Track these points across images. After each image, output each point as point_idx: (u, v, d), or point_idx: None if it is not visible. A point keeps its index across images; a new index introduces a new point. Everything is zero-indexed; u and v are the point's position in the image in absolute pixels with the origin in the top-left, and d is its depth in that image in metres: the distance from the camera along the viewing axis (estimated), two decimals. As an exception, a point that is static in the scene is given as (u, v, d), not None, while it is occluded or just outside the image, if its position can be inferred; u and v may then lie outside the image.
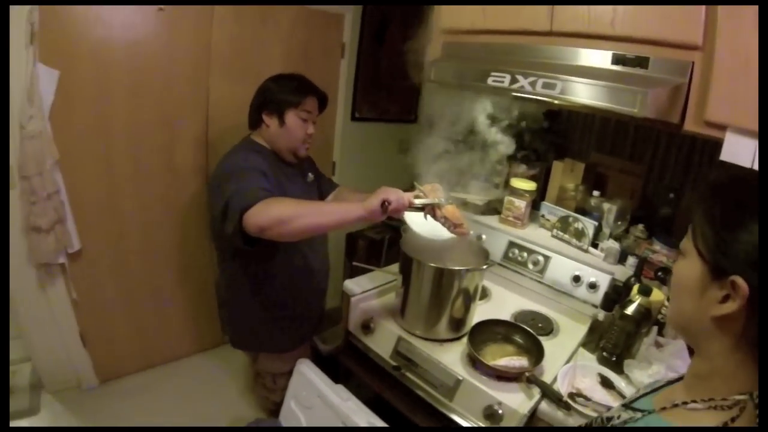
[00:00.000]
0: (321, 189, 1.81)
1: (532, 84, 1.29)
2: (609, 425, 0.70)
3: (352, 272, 1.75)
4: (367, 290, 1.60)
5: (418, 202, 1.27)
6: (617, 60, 1.25)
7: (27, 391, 2.23)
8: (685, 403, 0.59)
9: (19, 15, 1.67)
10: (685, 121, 1.17)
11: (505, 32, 1.50)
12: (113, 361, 2.28)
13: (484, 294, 1.65)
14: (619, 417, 0.69)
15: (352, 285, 1.61)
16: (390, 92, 2.82)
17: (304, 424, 1.57)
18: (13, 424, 2.05)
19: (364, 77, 2.68)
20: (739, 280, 0.51)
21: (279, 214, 1.20)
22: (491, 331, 1.43)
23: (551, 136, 1.92)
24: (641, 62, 1.20)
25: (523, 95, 1.35)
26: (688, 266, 0.58)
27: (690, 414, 0.57)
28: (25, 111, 1.72)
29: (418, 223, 1.31)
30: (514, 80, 1.32)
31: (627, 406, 0.71)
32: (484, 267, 1.38)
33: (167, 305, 2.37)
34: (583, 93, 1.20)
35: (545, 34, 1.40)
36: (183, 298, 2.42)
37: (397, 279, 1.50)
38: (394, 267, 1.63)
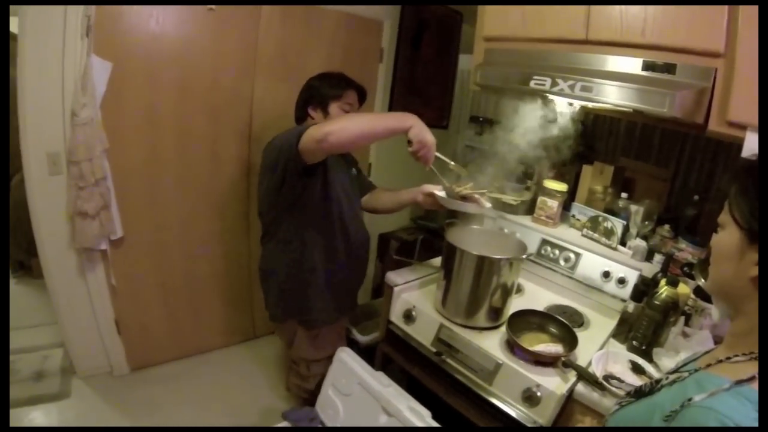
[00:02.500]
0: (361, 187, 1.94)
1: (571, 87, 1.44)
2: (659, 386, 0.82)
3: (392, 266, 1.88)
4: (409, 281, 1.73)
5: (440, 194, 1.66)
6: (647, 66, 1.41)
7: (58, 375, 2.36)
8: (728, 358, 0.71)
9: (75, 9, 1.81)
10: (709, 122, 1.33)
11: (543, 40, 1.66)
12: (146, 349, 2.41)
13: (518, 289, 1.79)
14: (667, 378, 0.82)
15: (394, 276, 1.75)
16: (424, 98, 2.98)
17: (341, 411, 1.70)
18: (42, 407, 2.18)
19: (400, 82, 2.85)
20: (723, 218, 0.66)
21: (330, 128, 1.42)
22: (527, 321, 1.56)
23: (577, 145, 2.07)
24: (669, 68, 1.37)
25: (563, 97, 1.50)
26: (727, 236, 0.71)
27: (734, 366, 0.70)
28: (78, 99, 1.86)
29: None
30: (554, 83, 1.48)
31: (671, 373, 0.83)
32: (524, 256, 1.52)
33: (202, 296, 2.51)
34: (617, 95, 1.36)
35: (581, 42, 1.56)
36: (218, 290, 2.56)
37: (438, 272, 1.64)
38: (433, 261, 1.77)
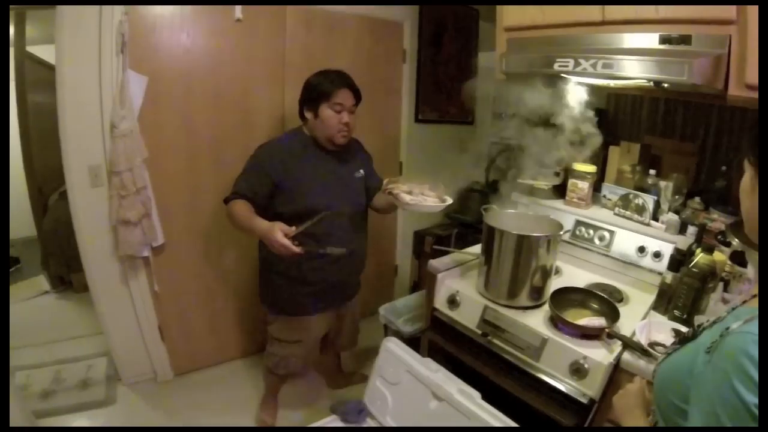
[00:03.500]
0: (369, 188, 1.98)
1: (593, 65, 1.50)
2: (701, 330, 0.86)
3: (431, 258, 1.93)
4: (450, 268, 1.80)
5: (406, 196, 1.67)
6: (664, 40, 1.47)
7: (103, 383, 2.45)
8: None
9: (109, 26, 1.91)
10: (728, 87, 1.37)
11: (562, 25, 1.72)
12: (188, 354, 2.49)
13: (557, 271, 1.83)
14: (708, 321, 0.86)
15: (436, 264, 1.82)
16: (448, 95, 3.06)
17: (389, 401, 1.76)
18: (89, 414, 2.27)
19: (425, 81, 2.94)
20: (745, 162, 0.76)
21: (229, 209, 1.77)
22: (568, 298, 1.61)
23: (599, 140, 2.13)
24: (684, 39, 1.42)
25: (585, 78, 1.55)
26: (746, 176, 0.80)
27: None
28: (117, 112, 1.96)
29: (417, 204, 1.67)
30: (577, 64, 1.54)
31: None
32: (561, 233, 1.58)
33: (243, 299, 2.59)
34: (638, 68, 1.41)
35: (598, 24, 1.63)
36: (258, 295, 2.62)
37: (477, 258, 1.70)
38: (471, 249, 1.83)
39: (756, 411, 0.62)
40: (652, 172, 1.92)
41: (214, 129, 2.21)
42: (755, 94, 1.31)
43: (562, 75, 1.74)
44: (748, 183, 0.80)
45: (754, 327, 0.67)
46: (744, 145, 0.81)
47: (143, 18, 1.97)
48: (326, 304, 2.00)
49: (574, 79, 1.82)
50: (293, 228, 1.60)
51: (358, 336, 2.40)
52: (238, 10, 2.16)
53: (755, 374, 0.61)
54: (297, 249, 1.57)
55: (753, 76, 1.30)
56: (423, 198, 1.66)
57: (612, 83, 1.82)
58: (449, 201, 1.69)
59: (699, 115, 1.94)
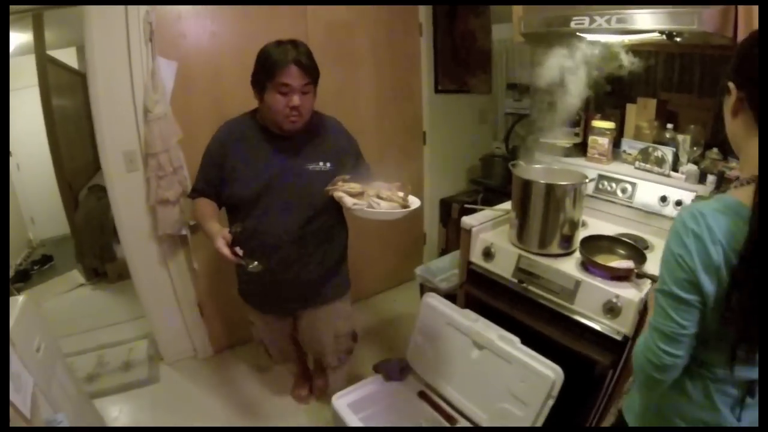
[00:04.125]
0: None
1: (608, 21, 1.58)
2: None
3: (458, 223, 2.01)
4: (483, 222, 1.90)
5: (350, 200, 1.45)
6: None
7: (145, 363, 2.57)
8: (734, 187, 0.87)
9: (136, 18, 2.01)
10: (737, 35, 1.43)
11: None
12: (227, 331, 2.59)
13: (583, 224, 1.90)
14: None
15: (469, 220, 1.91)
16: (466, 66, 3.18)
17: (431, 356, 1.85)
18: (134, 394, 2.38)
19: (442, 53, 3.03)
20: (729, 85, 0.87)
21: (193, 209, 1.72)
22: (596, 245, 1.69)
23: (616, 99, 2.21)
24: None
25: (600, 35, 1.63)
26: (729, 99, 0.89)
27: (736, 189, 0.86)
28: (150, 97, 2.06)
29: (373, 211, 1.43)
30: (592, 21, 1.62)
31: None
32: (586, 180, 1.66)
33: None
34: (650, 21, 1.49)
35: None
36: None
37: (508, 213, 1.78)
38: (500, 206, 1.91)
39: (680, 260, 0.85)
40: (669, 126, 1.99)
41: (243, 107, 2.28)
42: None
43: (578, 33, 1.82)
44: (730, 105, 0.89)
45: (698, 203, 0.86)
46: (728, 71, 0.90)
47: (170, 8, 2.07)
48: (270, 307, 1.87)
49: (589, 37, 1.89)
50: (227, 234, 1.43)
51: (346, 357, 2.09)
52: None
53: (684, 234, 0.84)
54: (232, 258, 1.40)
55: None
56: (375, 202, 1.42)
57: (626, 39, 1.89)
58: (414, 206, 1.46)
59: (714, 70, 2.01)
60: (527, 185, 1.67)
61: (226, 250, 1.40)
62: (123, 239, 2.28)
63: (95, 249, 3.25)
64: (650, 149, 1.94)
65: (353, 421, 1.69)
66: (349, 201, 1.43)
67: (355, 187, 1.47)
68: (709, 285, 0.83)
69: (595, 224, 1.96)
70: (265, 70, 1.49)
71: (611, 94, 2.26)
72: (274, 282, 1.69)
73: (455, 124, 3.23)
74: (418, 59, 2.94)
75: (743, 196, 0.82)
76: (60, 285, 3.33)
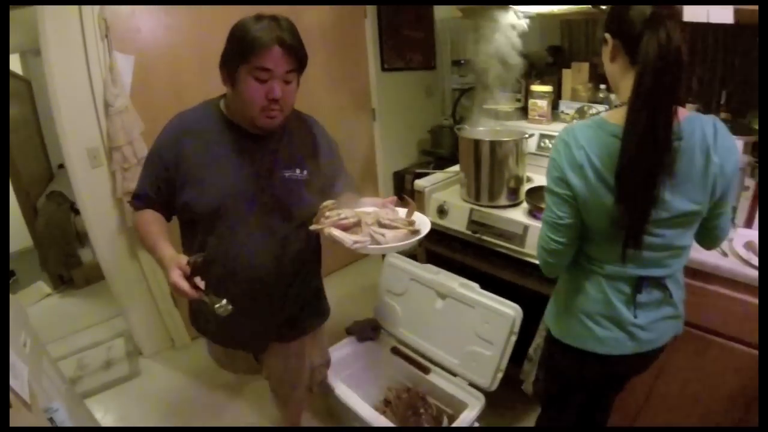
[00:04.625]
0: (324, 191, 1.35)
1: None
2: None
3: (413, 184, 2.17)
4: (435, 183, 2.08)
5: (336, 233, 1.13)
6: None
7: (125, 360, 2.62)
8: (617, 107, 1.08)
9: (90, 16, 2.08)
10: None
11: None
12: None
13: (528, 180, 2.08)
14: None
15: (422, 182, 2.07)
16: (410, 44, 3.37)
17: (399, 311, 1.99)
18: (117, 390, 2.43)
19: (387, 33, 3.21)
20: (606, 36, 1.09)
21: (135, 221, 1.37)
22: (541, 195, 1.85)
23: (557, 67, 2.42)
24: None
25: (532, 6, 1.83)
26: (606, 47, 1.10)
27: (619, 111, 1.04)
28: (110, 91, 2.12)
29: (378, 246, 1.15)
30: None
31: None
32: (526, 136, 1.83)
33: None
34: None
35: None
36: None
37: (457, 174, 1.94)
38: (449, 168, 2.06)
39: (554, 163, 1.09)
40: (602, 86, 2.20)
41: (204, 95, 2.38)
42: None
43: (511, 6, 2.00)
44: (608, 52, 1.11)
45: (576, 124, 1.10)
46: (605, 26, 1.11)
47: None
48: (233, 344, 1.55)
49: (523, 9, 2.08)
50: (184, 263, 1.10)
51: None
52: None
53: (558, 144, 1.09)
54: (192, 292, 1.08)
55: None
56: (378, 233, 1.13)
57: (556, 9, 2.08)
58: (425, 230, 1.19)
59: None
60: (473, 144, 1.84)
61: (184, 284, 1.08)
62: (92, 236, 2.33)
63: (60, 256, 3.25)
64: (585, 108, 2.14)
65: (337, 384, 1.79)
66: (347, 239, 1.10)
67: (348, 216, 1.15)
68: (575, 180, 1.06)
69: (540, 179, 2.13)
70: (241, 50, 1.16)
71: (554, 64, 2.47)
72: (241, 318, 1.20)
73: (403, 99, 3.44)
74: (363, 40, 3.11)
75: (614, 115, 1.04)
76: (26, 298, 3.31)
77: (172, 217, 1.37)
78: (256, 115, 1.22)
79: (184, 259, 1.11)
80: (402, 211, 1.21)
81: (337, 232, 1.12)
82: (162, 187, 1.30)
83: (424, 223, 1.20)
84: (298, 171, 1.34)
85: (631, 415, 1.72)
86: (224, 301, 1.07)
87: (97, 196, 2.26)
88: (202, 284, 1.10)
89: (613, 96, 2.12)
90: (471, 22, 2.31)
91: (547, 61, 2.52)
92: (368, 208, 1.25)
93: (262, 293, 1.36)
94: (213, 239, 1.29)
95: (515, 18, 2.11)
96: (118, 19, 2.13)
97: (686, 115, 1.04)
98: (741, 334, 1.46)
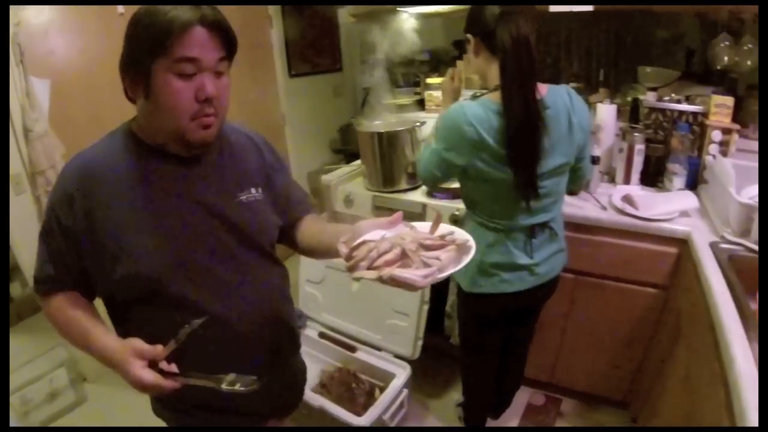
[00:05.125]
0: (281, 209, 1.14)
1: None
2: None
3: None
4: (340, 177, 2.26)
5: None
6: None
7: (69, 388, 2.64)
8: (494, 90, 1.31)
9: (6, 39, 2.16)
10: None
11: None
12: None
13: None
14: None
15: (328, 177, 2.25)
16: (317, 49, 3.60)
17: (320, 298, 2.13)
18: (65, 419, 2.47)
19: (293, 41, 3.41)
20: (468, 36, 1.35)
21: (46, 310, 1.01)
22: (439, 176, 2.05)
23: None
24: None
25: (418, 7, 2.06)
26: (470, 45, 1.38)
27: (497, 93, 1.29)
28: (29, 116, 2.21)
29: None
30: None
31: None
32: (418, 124, 2.03)
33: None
34: None
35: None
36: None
37: (360, 166, 2.12)
38: (354, 162, 2.24)
39: (446, 132, 1.35)
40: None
41: (123, 117, 2.47)
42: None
43: (398, 9, 2.22)
44: (473, 48, 1.38)
45: (465, 102, 1.35)
46: (466, 28, 1.38)
47: (35, 26, 2.22)
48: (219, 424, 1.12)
49: (411, 10, 2.30)
50: (159, 348, 0.84)
51: None
52: (119, 6, 2.45)
53: (450, 116, 1.33)
54: (173, 383, 0.84)
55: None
56: (431, 259, 0.83)
57: (440, 9, 2.30)
58: (471, 240, 0.88)
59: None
60: (369, 137, 2.02)
61: (154, 379, 0.82)
62: (24, 265, 2.38)
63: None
64: (478, 93, 2.34)
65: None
66: (417, 278, 0.79)
67: (387, 249, 0.83)
68: (463, 153, 1.31)
69: None
70: (152, 39, 0.83)
71: (459, 57, 2.70)
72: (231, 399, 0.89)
73: (312, 102, 3.69)
74: (270, 49, 3.32)
75: (493, 97, 1.30)
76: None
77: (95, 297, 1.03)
78: (185, 127, 0.89)
79: (139, 342, 0.84)
80: (423, 225, 0.95)
81: (402, 273, 0.79)
82: (71, 263, 0.94)
83: (460, 234, 0.90)
84: (253, 190, 1.05)
85: (553, 354, 2.03)
86: (232, 378, 0.85)
87: (24, 223, 2.31)
88: (173, 367, 0.86)
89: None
90: (364, 25, 2.52)
91: (453, 54, 2.75)
92: (378, 232, 0.89)
93: (252, 364, 1.01)
94: (172, 313, 0.93)
95: (408, 18, 2.33)
96: (32, 42, 2.21)
97: (547, 88, 1.34)
98: (627, 275, 1.76)
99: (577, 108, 1.36)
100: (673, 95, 2.00)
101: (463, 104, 1.33)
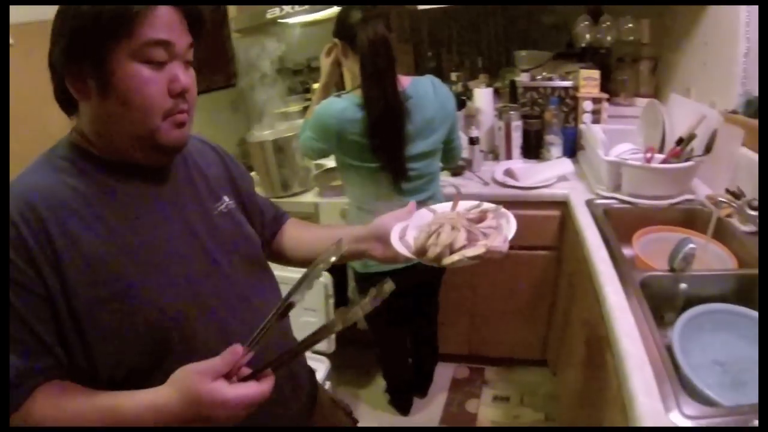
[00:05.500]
0: (255, 221, 0.97)
1: (292, 7, 2.10)
2: None
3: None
4: None
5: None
6: None
7: None
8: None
9: None
10: None
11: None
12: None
13: (319, 166, 2.24)
14: None
15: None
16: (210, 67, 3.52)
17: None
18: None
19: None
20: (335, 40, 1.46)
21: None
22: (332, 176, 2.07)
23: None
24: None
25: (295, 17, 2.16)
26: (336, 48, 1.47)
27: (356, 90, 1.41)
28: None
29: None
30: (282, 9, 2.12)
31: None
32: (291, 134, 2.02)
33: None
34: None
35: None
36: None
37: (255, 173, 2.10)
38: (253, 173, 2.22)
39: (313, 122, 1.48)
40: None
41: (16, 160, 2.27)
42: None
43: (279, 21, 2.23)
44: (340, 52, 1.47)
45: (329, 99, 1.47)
46: (334, 33, 1.47)
47: None
48: None
49: (291, 21, 2.32)
50: (237, 349, 0.64)
51: None
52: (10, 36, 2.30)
53: (318, 112, 1.45)
54: (267, 385, 0.65)
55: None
56: (483, 231, 0.80)
57: (320, 16, 2.34)
58: (501, 208, 0.87)
59: (412, 23, 2.59)
60: (259, 146, 2.02)
61: (257, 388, 0.64)
62: None
63: None
64: (342, 93, 2.39)
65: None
66: (501, 245, 0.76)
67: (447, 230, 0.78)
68: (329, 141, 1.45)
69: (330, 162, 2.34)
70: (107, 19, 0.64)
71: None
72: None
73: (208, 120, 3.54)
74: None
75: (358, 91, 1.41)
76: None
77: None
78: (157, 128, 0.71)
79: (195, 365, 0.63)
80: (443, 206, 0.92)
81: (492, 244, 0.75)
82: (43, 335, 0.65)
83: (486, 205, 0.89)
84: (226, 198, 0.88)
85: (467, 327, 2.10)
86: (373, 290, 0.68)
87: None
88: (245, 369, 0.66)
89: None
90: (252, 38, 2.52)
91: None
92: (399, 224, 0.86)
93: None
94: (181, 357, 0.68)
95: (294, 27, 2.35)
96: None
97: (410, 80, 1.47)
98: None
99: (441, 94, 1.50)
100: (544, 74, 2.13)
101: (330, 100, 1.46)
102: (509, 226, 0.80)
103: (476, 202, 0.88)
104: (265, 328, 0.66)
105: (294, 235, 1.03)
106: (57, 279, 0.64)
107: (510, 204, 1.76)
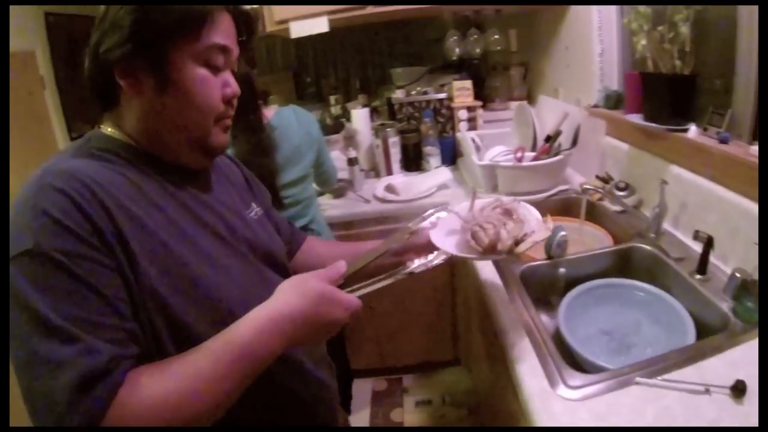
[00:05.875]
0: (281, 232, 0.96)
1: None
2: None
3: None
4: None
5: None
6: None
7: None
8: None
9: None
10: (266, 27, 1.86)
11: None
12: None
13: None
14: None
15: None
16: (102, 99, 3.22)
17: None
18: None
19: (71, 99, 2.88)
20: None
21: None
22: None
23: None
24: None
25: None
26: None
27: None
28: None
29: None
30: None
31: None
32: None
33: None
34: None
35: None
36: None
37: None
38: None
39: None
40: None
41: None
42: (284, 26, 1.81)
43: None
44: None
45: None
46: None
47: None
48: None
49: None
50: (342, 264, 0.73)
51: None
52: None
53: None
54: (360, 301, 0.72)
55: (279, 15, 1.81)
56: (510, 225, 0.81)
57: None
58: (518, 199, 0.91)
59: (292, 52, 2.57)
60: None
61: (353, 298, 0.70)
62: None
63: None
64: None
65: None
66: (546, 232, 0.85)
67: (510, 224, 0.82)
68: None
69: None
70: (176, 19, 0.63)
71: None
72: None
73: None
74: (46, 114, 2.67)
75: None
76: None
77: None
78: (208, 131, 0.70)
79: (316, 276, 0.68)
80: (463, 207, 0.92)
81: (544, 228, 0.84)
82: (122, 305, 0.57)
83: (505, 199, 0.92)
84: (254, 205, 0.87)
85: (376, 342, 2.04)
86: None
87: None
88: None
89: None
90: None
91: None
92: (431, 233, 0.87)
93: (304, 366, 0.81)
94: None
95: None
96: None
97: (272, 112, 1.47)
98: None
99: (304, 121, 1.53)
100: (418, 89, 2.14)
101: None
102: (530, 210, 0.87)
103: (494, 197, 0.93)
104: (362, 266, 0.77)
105: (321, 252, 1.03)
106: (124, 255, 0.58)
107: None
